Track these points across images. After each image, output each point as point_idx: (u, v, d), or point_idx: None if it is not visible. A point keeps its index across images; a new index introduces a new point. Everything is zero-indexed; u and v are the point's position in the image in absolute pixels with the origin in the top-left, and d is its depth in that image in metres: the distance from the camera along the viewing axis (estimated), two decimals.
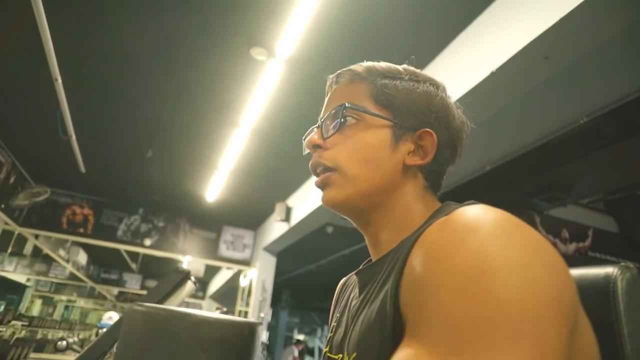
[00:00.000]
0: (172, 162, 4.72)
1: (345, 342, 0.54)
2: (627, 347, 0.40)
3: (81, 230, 5.62)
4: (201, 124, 3.81)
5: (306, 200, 4.63)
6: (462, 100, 2.14)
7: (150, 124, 3.91)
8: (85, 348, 0.74)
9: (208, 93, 3.33)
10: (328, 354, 0.59)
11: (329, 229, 5.38)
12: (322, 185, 0.59)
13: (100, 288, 10.96)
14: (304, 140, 0.66)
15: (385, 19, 2.34)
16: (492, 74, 2.00)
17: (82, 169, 4.63)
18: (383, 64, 0.61)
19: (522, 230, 0.37)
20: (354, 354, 0.48)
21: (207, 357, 0.41)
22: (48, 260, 8.73)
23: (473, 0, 2.16)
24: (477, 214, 0.39)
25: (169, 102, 3.51)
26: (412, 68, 0.62)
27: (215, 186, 5.16)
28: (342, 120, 0.57)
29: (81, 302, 13.34)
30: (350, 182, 0.56)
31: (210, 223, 6.38)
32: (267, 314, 5.89)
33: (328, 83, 0.66)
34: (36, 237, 5.95)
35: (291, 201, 5.13)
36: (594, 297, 0.45)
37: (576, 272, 0.49)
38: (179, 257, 6.21)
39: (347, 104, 0.57)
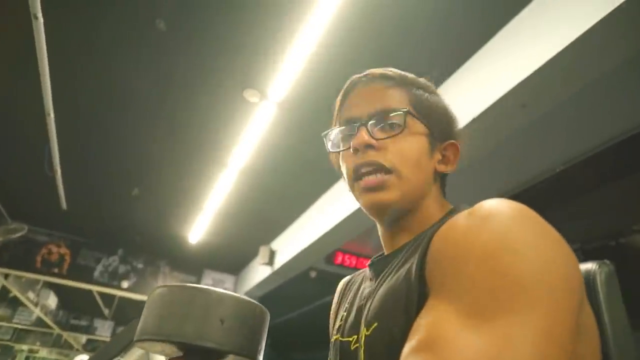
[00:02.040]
0: (158, 202, 4.69)
1: (360, 320, 0.56)
2: (609, 331, 0.45)
3: (55, 270, 5.42)
4: (190, 164, 3.85)
5: (291, 243, 4.61)
6: None
7: (138, 162, 3.93)
8: (95, 353, 0.73)
9: (199, 132, 3.40)
10: (340, 339, 0.60)
11: (312, 274, 5.31)
12: (375, 187, 0.59)
13: (68, 336, 10.32)
14: (327, 138, 0.67)
15: (375, 67, 2.49)
16: (473, 120, 2.13)
17: (64, 206, 4.56)
18: (411, 74, 0.66)
19: (537, 218, 0.42)
20: (375, 324, 0.50)
21: (225, 327, 0.45)
22: (14, 303, 8.26)
23: (455, 52, 2.34)
24: (498, 204, 0.44)
25: (159, 140, 3.57)
26: (430, 83, 0.67)
27: (199, 228, 5.10)
28: (403, 125, 0.59)
29: (44, 352, 12.46)
30: (404, 184, 0.59)
31: (191, 266, 6.23)
32: None
33: (351, 82, 0.67)
34: (5, 276, 5.69)
35: (275, 244, 5.09)
36: None
37: None
38: None
39: (409, 110, 0.61)
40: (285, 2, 2.19)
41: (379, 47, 2.38)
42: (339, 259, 4.97)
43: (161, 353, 0.52)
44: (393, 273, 0.54)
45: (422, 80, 0.67)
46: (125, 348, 0.72)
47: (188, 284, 0.48)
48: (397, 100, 0.62)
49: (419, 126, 0.61)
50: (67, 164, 3.79)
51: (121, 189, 4.40)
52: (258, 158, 3.60)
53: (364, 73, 0.66)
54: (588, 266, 0.50)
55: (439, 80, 2.51)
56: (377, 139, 0.60)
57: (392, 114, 0.60)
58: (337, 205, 3.59)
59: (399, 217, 0.61)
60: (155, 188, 4.37)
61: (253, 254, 5.45)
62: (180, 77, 2.81)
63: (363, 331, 0.52)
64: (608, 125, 2.37)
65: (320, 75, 2.61)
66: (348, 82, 0.67)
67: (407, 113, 0.60)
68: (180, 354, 0.48)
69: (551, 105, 1.99)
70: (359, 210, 3.20)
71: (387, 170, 0.59)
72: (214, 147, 3.56)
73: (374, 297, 0.54)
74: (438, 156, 0.63)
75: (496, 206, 0.44)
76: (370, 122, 0.61)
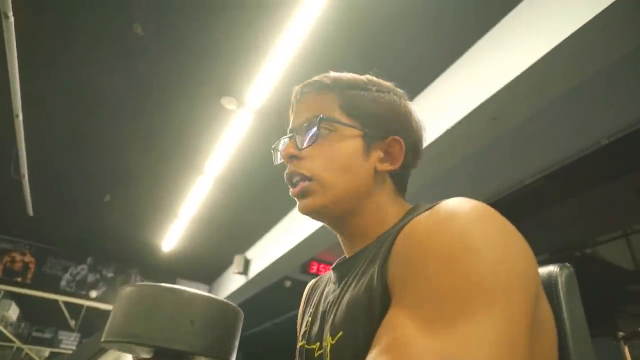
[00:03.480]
0: (131, 208, 4.59)
1: (324, 328, 0.56)
2: (567, 326, 0.47)
3: (19, 279, 5.21)
4: (165, 170, 3.79)
5: (266, 252, 4.57)
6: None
7: (111, 167, 3.84)
8: (77, 348, 0.70)
9: (175, 139, 3.36)
10: (306, 346, 0.60)
11: (287, 283, 5.29)
12: (300, 194, 0.60)
13: (30, 349, 9.84)
14: (275, 150, 0.69)
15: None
16: (447, 131, 2.19)
17: (30, 212, 4.40)
18: (349, 75, 0.66)
19: (495, 216, 0.43)
20: (339, 334, 0.50)
21: (195, 328, 0.44)
22: None
23: (427, 65, 2.40)
24: (458, 204, 0.45)
25: (134, 145, 3.50)
26: (375, 78, 0.67)
27: (173, 235, 5.01)
28: (317, 131, 0.60)
29: None
30: (328, 190, 0.58)
31: (164, 275, 6.10)
32: None
33: (294, 93, 0.68)
34: None
35: (250, 253, 5.04)
36: None
37: None
38: None
39: (321, 116, 0.60)
40: (264, 9, 2.21)
41: (357, 56, 2.42)
42: (314, 268, 4.96)
43: (132, 353, 0.51)
44: (356, 279, 0.54)
45: (361, 78, 0.65)
46: (97, 353, 0.70)
47: (158, 284, 0.47)
48: (325, 106, 0.62)
49: (346, 129, 0.60)
50: (35, 167, 3.67)
51: (92, 195, 4.28)
52: (234, 166, 3.58)
53: (303, 83, 0.67)
54: (550, 268, 0.53)
55: (418, 85, 2.57)
56: (300, 149, 0.61)
57: (311, 122, 0.61)
58: None
59: (340, 220, 0.62)
60: (129, 194, 4.28)
61: (227, 263, 5.38)
62: (157, 83, 2.78)
63: (328, 340, 0.52)
64: (575, 139, 2.47)
65: (299, 82, 2.62)
66: (293, 92, 0.68)
67: (321, 119, 0.60)
68: (150, 355, 0.47)
69: (521, 119, 2.07)
70: None
71: (308, 179, 0.59)
72: (190, 154, 3.52)
73: (339, 304, 0.54)
74: (379, 154, 0.61)
75: (457, 205, 0.44)
76: (298, 133, 0.63)
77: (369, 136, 0.61)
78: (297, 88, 0.67)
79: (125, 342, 0.44)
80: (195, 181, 3.88)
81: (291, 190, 0.62)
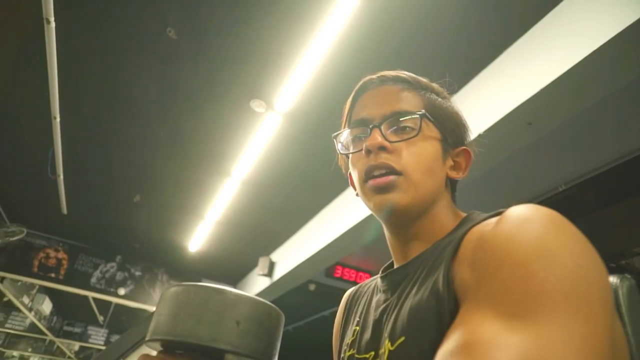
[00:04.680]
0: (159, 209, 4.68)
1: (379, 337, 0.54)
2: (632, 343, 0.44)
3: (52, 275, 5.38)
4: (193, 172, 3.85)
5: (291, 255, 4.58)
6: None
7: (141, 169, 3.93)
8: (106, 347, 0.72)
9: (203, 142, 3.41)
10: (356, 356, 0.58)
11: (312, 287, 5.27)
12: (385, 187, 0.57)
13: (61, 342, 10.19)
14: (337, 139, 0.66)
15: None
16: (480, 136, 2.13)
17: (64, 210, 4.55)
18: (424, 79, 0.65)
19: (569, 224, 0.41)
20: (401, 339, 0.48)
21: (241, 328, 0.45)
22: (8, 308, 8.18)
23: (462, 68, 2.36)
24: (531, 210, 0.43)
25: (163, 148, 3.57)
26: (442, 88, 0.67)
27: (199, 237, 5.08)
28: (419, 127, 0.58)
29: (35, 359, 12.29)
30: (413, 188, 0.57)
31: (190, 275, 6.19)
32: None
33: (364, 82, 0.66)
34: (1, 280, 5.64)
35: (275, 256, 5.06)
36: None
37: None
38: (153, 309, 5.92)
39: (425, 112, 0.59)
40: (295, 13, 2.22)
41: (388, 61, 2.40)
42: (339, 272, 4.94)
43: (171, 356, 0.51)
44: (417, 285, 0.52)
45: (435, 85, 0.66)
46: (133, 347, 0.71)
47: (203, 284, 0.47)
48: (411, 103, 0.61)
49: (433, 131, 0.60)
50: (69, 168, 3.80)
51: (123, 195, 4.39)
52: (261, 169, 3.60)
53: (377, 74, 0.65)
54: (610, 280, 0.50)
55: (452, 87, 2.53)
56: (390, 142, 0.58)
57: (406, 117, 0.59)
58: (338, 218, 3.58)
59: (410, 222, 0.59)
60: (157, 195, 4.37)
61: (252, 265, 5.42)
62: (187, 86, 2.83)
63: (387, 346, 0.50)
64: (611, 146, 2.38)
65: (328, 87, 2.63)
66: (360, 83, 0.66)
67: (423, 116, 0.59)
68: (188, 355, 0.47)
69: (556, 124, 2.00)
70: (359, 224, 3.19)
71: (398, 173, 0.57)
72: (218, 157, 3.57)
73: (398, 311, 0.52)
74: (450, 162, 0.62)
75: (529, 212, 0.43)
76: (383, 124, 0.60)
77: (446, 142, 0.61)
78: (369, 77, 0.65)
79: (171, 340, 0.44)
80: (222, 184, 3.92)
81: (371, 181, 0.58)
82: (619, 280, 0.48)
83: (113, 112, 3.22)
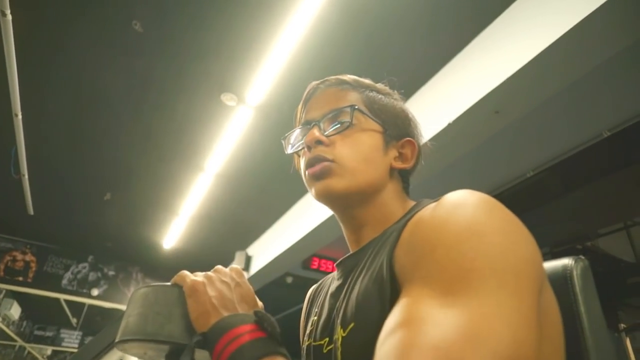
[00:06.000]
0: (131, 206, 4.58)
1: (333, 323, 0.56)
2: (585, 321, 0.47)
3: (20, 278, 5.19)
4: (165, 167, 3.78)
5: (267, 248, 4.58)
6: (423, 148, 2.30)
7: (111, 166, 3.82)
8: (78, 350, 0.71)
9: (175, 136, 3.35)
10: (313, 344, 0.60)
11: (289, 279, 5.29)
12: (320, 174, 0.61)
13: (32, 348, 9.87)
14: (286, 140, 0.72)
15: (351, 74, 2.52)
16: (449, 125, 2.18)
17: (31, 211, 4.39)
18: (366, 80, 0.70)
19: (499, 206, 0.44)
20: (351, 325, 0.50)
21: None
22: None
23: (430, 59, 2.39)
24: (463, 195, 0.46)
25: (134, 143, 3.49)
26: (386, 87, 0.71)
27: (173, 233, 5.01)
28: (351, 119, 0.62)
29: None
30: (349, 174, 0.60)
31: (165, 273, 6.09)
32: None
33: (309, 88, 0.71)
34: None
35: (251, 250, 5.05)
36: (555, 283, 0.52)
37: None
38: None
39: (356, 106, 0.63)
40: (264, 5, 2.19)
41: (356, 52, 2.41)
42: (316, 264, 4.97)
43: (142, 356, 0.51)
44: (364, 271, 0.55)
45: (378, 85, 0.70)
46: (103, 351, 0.70)
47: (169, 284, 0.48)
48: (349, 100, 0.65)
49: (371, 123, 0.64)
50: (34, 167, 3.66)
51: (93, 194, 4.27)
52: (235, 162, 3.57)
53: (322, 80, 0.70)
54: (564, 261, 0.53)
55: (414, 81, 2.57)
56: (327, 136, 0.63)
57: (340, 111, 0.64)
58: (313, 210, 3.60)
59: (353, 209, 0.63)
60: (129, 192, 4.27)
61: (229, 260, 5.38)
62: (156, 80, 2.77)
63: (339, 332, 0.52)
64: (576, 132, 2.47)
65: (298, 79, 2.62)
66: (307, 88, 0.71)
67: (355, 109, 0.63)
68: (162, 356, 0.47)
69: (523, 112, 2.06)
70: (335, 215, 3.22)
71: (331, 161, 0.61)
72: (190, 151, 3.51)
73: (348, 296, 0.55)
74: (394, 153, 0.65)
75: (462, 196, 0.46)
76: (322, 121, 0.64)
77: (388, 135, 0.64)
78: (314, 83, 0.70)
79: (142, 340, 0.44)
80: (196, 178, 3.87)
81: (309, 170, 0.63)
82: (573, 262, 0.51)
83: (79, 107, 3.11)
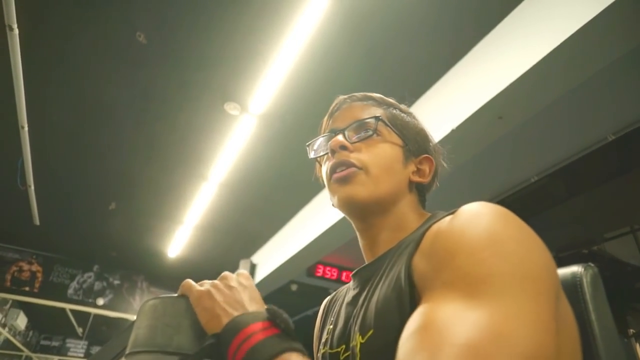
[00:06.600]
0: (136, 216, 4.59)
1: (350, 331, 0.57)
2: (596, 329, 0.47)
3: (27, 288, 5.20)
4: (170, 177, 3.79)
5: (272, 256, 4.57)
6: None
7: (116, 176, 3.84)
8: (98, 350, 0.71)
9: (179, 146, 3.36)
10: (329, 351, 0.61)
11: (293, 287, 5.28)
12: (345, 179, 0.63)
13: (38, 358, 9.86)
14: (310, 146, 0.74)
15: (355, 83, 2.53)
16: (453, 131, 2.18)
17: (37, 221, 4.41)
18: (390, 99, 0.74)
19: (515, 217, 0.46)
20: (370, 331, 0.51)
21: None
22: None
23: (433, 66, 2.40)
24: (480, 206, 0.48)
25: (138, 153, 3.51)
26: (407, 108, 0.75)
27: (178, 242, 5.01)
28: (375, 129, 0.66)
29: None
30: (372, 182, 0.63)
31: (170, 281, 6.09)
32: None
33: (336, 102, 0.74)
34: None
35: (256, 258, 5.04)
36: (565, 291, 0.51)
37: None
38: (134, 318, 5.81)
39: (380, 117, 0.67)
40: (266, 15, 2.21)
41: (360, 60, 2.42)
42: (320, 272, 4.95)
43: None
44: (382, 280, 0.56)
45: (402, 105, 0.74)
46: (115, 358, 0.71)
47: (179, 295, 0.48)
48: (374, 113, 0.68)
49: (393, 136, 0.67)
50: (40, 177, 3.68)
51: (97, 203, 4.29)
52: (238, 171, 3.58)
53: (349, 95, 0.73)
54: (574, 269, 0.52)
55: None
56: (351, 142, 0.66)
57: (366, 122, 0.67)
58: (317, 218, 3.59)
59: (372, 218, 0.65)
60: (134, 202, 4.28)
61: (233, 268, 5.36)
62: (159, 90, 2.79)
63: (358, 339, 0.53)
64: (579, 136, 2.47)
65: (301, 88, 2.63)
66: (333, 103, 0.74)
67: (379, 120, 0.66)
68: None
69: (526, 117, 2.06)
70: (339, 222, 3.21)
71: (358, 167, 0.63)
72: (194, 160, 3.52)
73: (366, 304, 0.55)
74: (413, 167, 0.68)
75: (478, 208, 0.48)
76: (347, 130, 0.68)
77: (407, 150, 0.68)
78: (341, 97, 0.74)
79: (151, 351, 0.44)
80: (200, 187, 3.88)
81: (335, 174, 0.65)
82: (583, 269, 0.51)
83: (84, 119, 3.14)
